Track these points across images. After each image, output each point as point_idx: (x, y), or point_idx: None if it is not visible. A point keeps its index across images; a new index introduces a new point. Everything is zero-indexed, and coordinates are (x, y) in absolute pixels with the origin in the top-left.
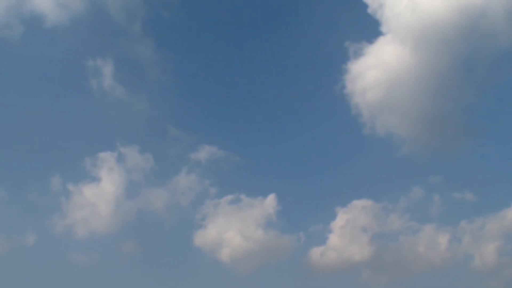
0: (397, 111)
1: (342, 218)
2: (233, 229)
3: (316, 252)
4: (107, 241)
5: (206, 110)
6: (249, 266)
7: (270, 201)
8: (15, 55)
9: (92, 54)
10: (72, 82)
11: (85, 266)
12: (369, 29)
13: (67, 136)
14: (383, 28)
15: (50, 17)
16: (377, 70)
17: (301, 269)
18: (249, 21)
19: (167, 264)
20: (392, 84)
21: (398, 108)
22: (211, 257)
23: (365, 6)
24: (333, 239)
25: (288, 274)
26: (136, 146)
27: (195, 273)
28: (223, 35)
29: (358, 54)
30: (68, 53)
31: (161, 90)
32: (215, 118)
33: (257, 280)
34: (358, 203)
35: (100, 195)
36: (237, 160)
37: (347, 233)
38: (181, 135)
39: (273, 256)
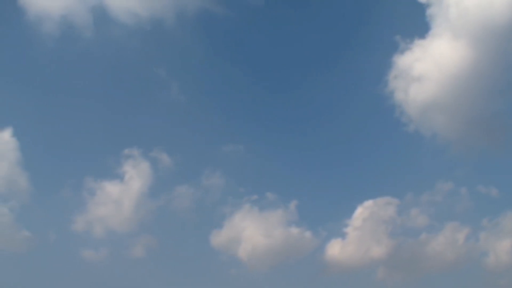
0: (444, 110)
1: (363, 215)
2: (253, 226)
3: (334, 249)
4: (125, 238)
5: (233, 109)
6: (268, 263)
7: (292, 200)
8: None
9: None
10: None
11: (102, 262)
12: (421, 24)
13: (95, 135)
14: (435, 24)
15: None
16: (427, 66)
17: (319, 266)
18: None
19: (184, 261)
20: (443, 81)
21: (446, 106)
22: (230, 255)
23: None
24: (353, 236)
25: (305, 271)
26: (161, 145)
27: (213, 273)
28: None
29: (407, 49)
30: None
31: (186, 88)
32: (242, 117)
33: (275, 277)
34: (380, 201)
35: (122, 193)
36: (260, 159)
37: (367, 231)
38: (206, 135)
39: (292, 254)
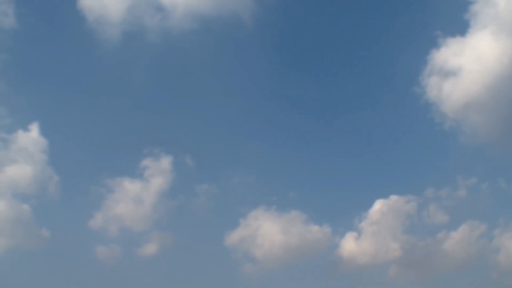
0: (481, 108)
1: (380, 211)
2: (271, 224)
3: (349, 246)
4: (142, 235)
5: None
6: (283, 261)
7: (310, 197)
8: None
9: None
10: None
11: (119, 260)
12: (462, 19)
13: (120, 135)
14: (478, 19)
15: None
16: (467, 62)
17: (333, 263)
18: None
19: (199, 259)
20: (482, 79)
21: (483, 104)
22: (246, 253)
23: None
24: (368, 233)
25: (320, 268)
26: (183, 146)
27: (230, 270)
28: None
29: (446, 44)
30: None
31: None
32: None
33: (288, 274)
34: (399, 197)
35: (142, 191)
36: (283, 157)
37: (383, 227)
38: (225, 136)
39: (307, 251)
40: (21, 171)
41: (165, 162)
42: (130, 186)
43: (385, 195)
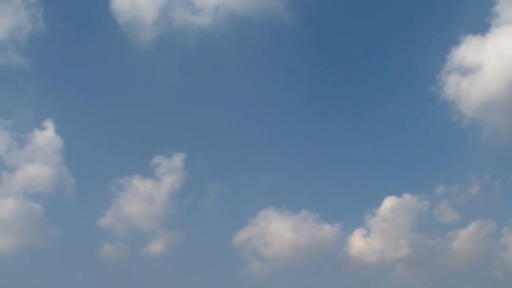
0: (501, 107)
1: (390, 209)
2: (280, 224)
3: (357, 244)
4: (150, 234)
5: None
6: (290, 259)
7: (319, 196)
8: None
9: None
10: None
11: (129, 258)
12: (484, 18)
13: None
14: (501, 18)
15: None
16: (489, 61)
17: (341, 261)
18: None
19: (208, 258)
20: (503, 78)
21: (503, 103)
22: (254, 252)
23: None
24: (378, 231)
25: (328, 266)
26: (196, 145)
27: (237, 269)
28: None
29: (467, 43)
30: None
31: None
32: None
33: (295, 273)
34: (410, 196)
35: (153, 191)
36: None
37: (392, 225)
38: (239, 135)
39: (315, 249)
40: (34, 171)
41: (178, 160)
42: (141, 184)
43: (395, 193)
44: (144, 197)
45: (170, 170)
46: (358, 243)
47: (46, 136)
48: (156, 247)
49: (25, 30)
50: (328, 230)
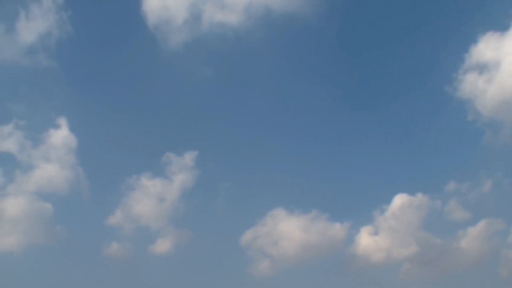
0: None
1: (398, 207)
2: (289, 224)
3: (364, 243)
4: (158, 233)
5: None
6: (298, 259)
7: (329, 195)
8: None
9: None
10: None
11: (137, 257)
12: (502, 17)
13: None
14: None
15: None
16: (507, 60)
17: (348, 260)
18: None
19: (215, 257)
20: None
21: None
22: (262, 251)
23: None
24: (386, 229)
25: (334, 265)
26: (207, 144)
27: (244, 268)
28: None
29: (485, 41)
30: None
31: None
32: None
33: (301, 272)
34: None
35: (163, 190)
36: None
37: (400, 224)
38: (250, 135)
39: (323, 248)
40: (46, 170)
41: (189, 159)
42: (152, 183)
43: (406, 190)
44: (154, 195)
45: (181, 169)
46: (366, 241)
47: (61, 135)
48: (164, 246)
49: (54, 33)
50: (338, 229)
